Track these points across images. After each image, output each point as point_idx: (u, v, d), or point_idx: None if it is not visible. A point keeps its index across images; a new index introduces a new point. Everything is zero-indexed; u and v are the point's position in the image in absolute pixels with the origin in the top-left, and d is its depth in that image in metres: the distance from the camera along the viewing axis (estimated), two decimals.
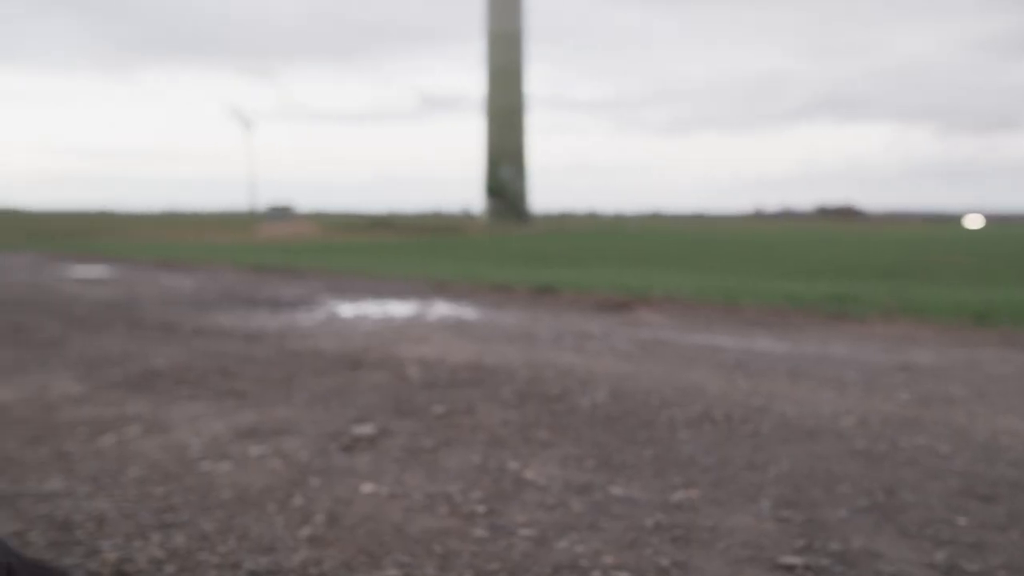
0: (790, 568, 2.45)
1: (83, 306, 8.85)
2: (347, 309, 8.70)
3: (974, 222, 69.01)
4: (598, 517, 2.86)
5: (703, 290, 9.98)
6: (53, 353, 6.01)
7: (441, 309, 8.73)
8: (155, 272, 13.92)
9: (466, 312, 8.49)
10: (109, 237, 31.52)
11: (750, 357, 5.77)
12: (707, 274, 13.56)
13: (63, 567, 1.39)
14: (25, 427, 4.05)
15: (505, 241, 28.60)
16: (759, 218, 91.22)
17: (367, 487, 3.17)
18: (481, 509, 2.94)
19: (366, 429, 3.91)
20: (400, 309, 8.71)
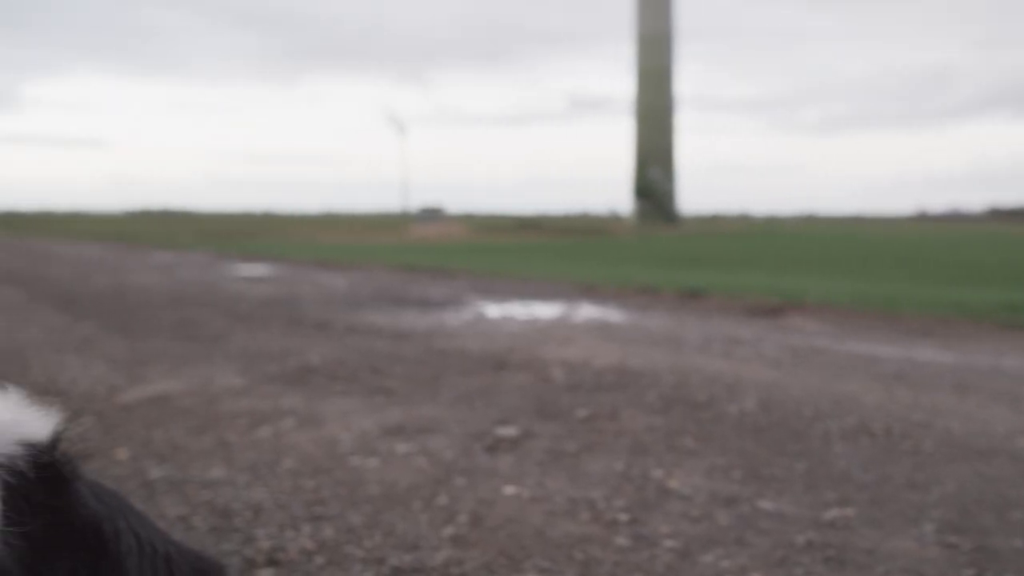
0: None
1: (246, 303, 9.33)
2: (493, 310, 8.80)
3: None
4: (745, 531, 2.75)
5: (861, 296, 9.53)
6: (217, 347, 6.35)
7: (586, 311, 8.70)
8: (312, 271, 14.54)
9: (611, 315, 8.42)
10: (270, 238, 33.20)
11: (912, 368, 5.45)
12: (866, 279, 12.94)
13: (217, 557, 1.45)
14: (191, 417, 4.29)
15: (653, 243, 28.29)
16: (924, 220, 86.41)
17: (509, 489, 3.17)
18: (624, 517, 2.89)
19: (509, 431, 3.92)
20: (545, 311, 8.74)
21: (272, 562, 2.56)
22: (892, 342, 6.62)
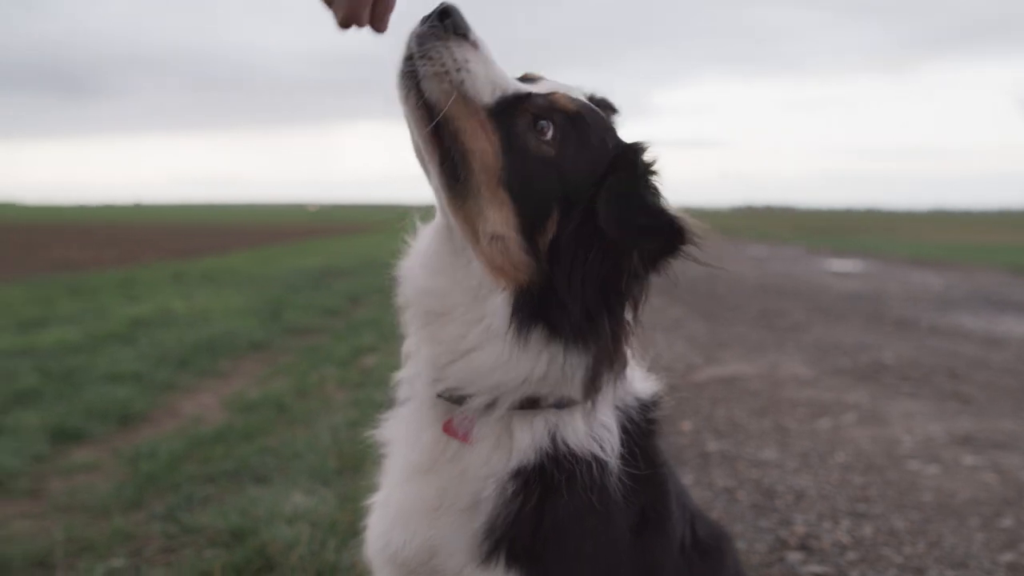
0: None
1: (827, 297, 9.23)
2: None
3: None
4: None
5: None
6: (792, 337, 6.42)
7: None
8: (904, 269, 13.74)
9: None
10: (868, 234, 32.07)
11: None
12: None
13: (723, 527, 1.56)
14: (755, 399, 4.45)
15: None
16: None
17: None
18: None
19: None
20: None
21: (803, 547, 2.57)
22: None
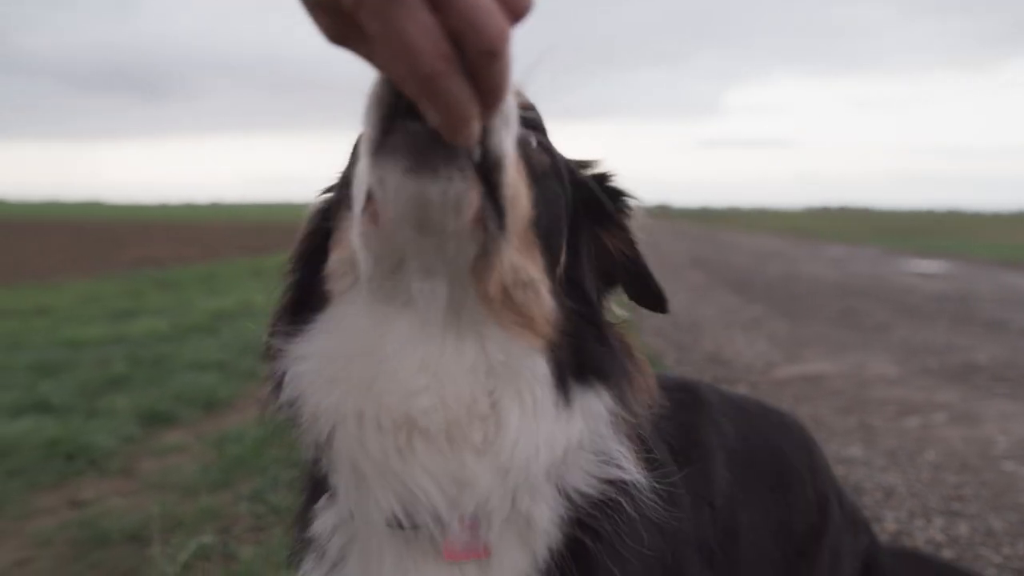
0: None
1: (913, 297, 8.95)
2: None
3: None
4: None
5: None
6: (876, 337, 6.25)
7: None
8: (994, 270, 13.26)
9: None
10: (952, 235, 31.05)
11: None
12: None
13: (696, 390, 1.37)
14: (839, 398, 4.34)
15: None
16: None
17: None
18: None
19: None
20: None
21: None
22: None
